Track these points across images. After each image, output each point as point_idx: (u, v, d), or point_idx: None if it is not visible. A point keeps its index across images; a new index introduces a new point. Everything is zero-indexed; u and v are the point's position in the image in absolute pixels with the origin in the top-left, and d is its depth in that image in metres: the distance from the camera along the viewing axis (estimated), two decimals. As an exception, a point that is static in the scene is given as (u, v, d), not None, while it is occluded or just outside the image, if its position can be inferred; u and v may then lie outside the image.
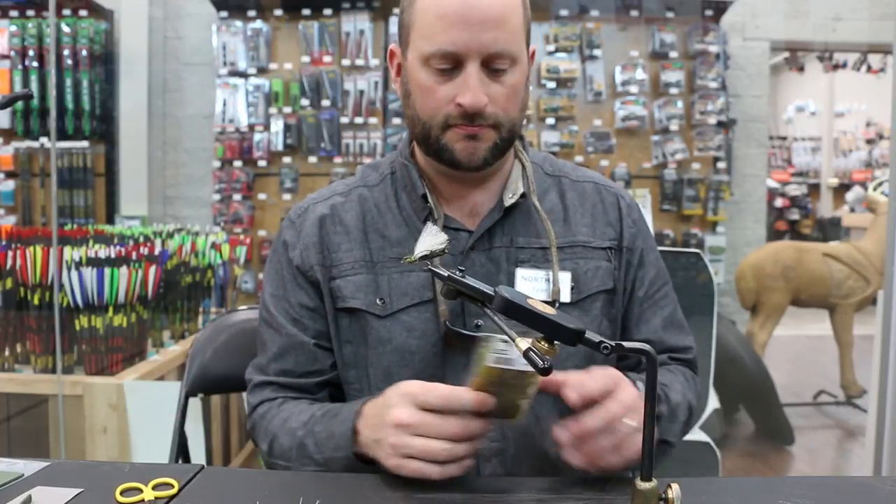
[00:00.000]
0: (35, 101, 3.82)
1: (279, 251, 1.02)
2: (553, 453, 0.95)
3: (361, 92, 3.89)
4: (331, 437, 0.88)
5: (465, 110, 0.89)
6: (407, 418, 0.78)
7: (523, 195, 0.98)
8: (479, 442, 0.80)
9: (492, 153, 0.93)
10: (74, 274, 2.03)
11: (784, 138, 9.71)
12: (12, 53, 3.80)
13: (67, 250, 2.06)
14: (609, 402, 0.78)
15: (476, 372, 0.78)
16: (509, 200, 0.97)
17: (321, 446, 0.88)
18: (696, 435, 2.20)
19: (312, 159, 3.91)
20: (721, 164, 3.99)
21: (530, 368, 0.70)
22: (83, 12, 3.87)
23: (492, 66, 0.89)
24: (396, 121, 3.86)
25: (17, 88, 3.79)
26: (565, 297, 0.96)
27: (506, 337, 0.71)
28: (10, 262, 2.06)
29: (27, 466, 0.82)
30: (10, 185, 3.92)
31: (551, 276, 0.96)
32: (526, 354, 0.67)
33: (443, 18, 0.88)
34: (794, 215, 8.86)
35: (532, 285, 0.95)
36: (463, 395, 0.77)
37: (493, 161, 0.94)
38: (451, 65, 0.90)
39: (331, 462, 0.87)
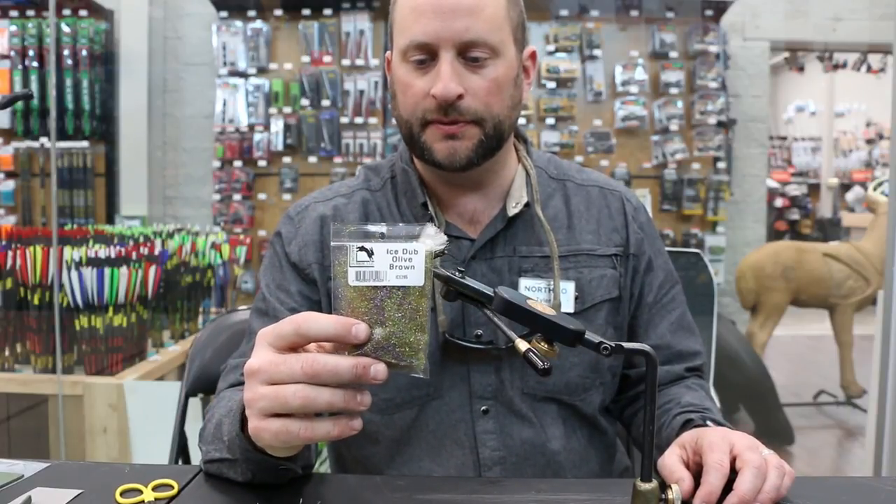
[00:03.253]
0: (35, 101, 3.82)
1: (275, 245, 1.01)
2: (555, 461, 0.95)
3: (361, 92, 3.89)
4: (230, 411, 0.76)
5: (439, 102, 0.87)
6: (257, 362, 0.64)
7: (527, 204, 0.97)
8: (363, 396, 0.63)
9: (476, 152, 0.90)
10: (74, 274, 2.02)
11: (784, 138, 9.70)
12: (12, 53, 3.79)
13: (67, 250, 2.06)
14: (741, 462, 0.72)
15: (341, 300, 0.61)
16: (513, 210, 0.96)
17: (231, 427, 0.74)
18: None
19: (312, 159, 3.91)
20: (721, 164, 3.99)
21: (409, 283, 0.59)
22: (83, 12, 3.86)
23: (468, 55, 0.87)
24: (396, 121, 3.86)
25: (17, 88, 3.79)
26: (569, 307, 0.95)
27: (369, 243, 0.60)
28: (10, 262, 2.06)
29: (27, 467, 0.82)
30: (10, 185, 3.91)
31: (553, 286, 0.95)
32: (525, 355, 0.67)
33: (415, 10, 0.88)
34: (794, 215, 8.85)
35: (534, 296, 0.94)
36: (319, 318, 0.62)
37: (479, 161, 0.91)
38: (426, 56, 0.88)
39: (233, 447, 0.74)
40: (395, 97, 0.94)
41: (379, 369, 0.61)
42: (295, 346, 0.63)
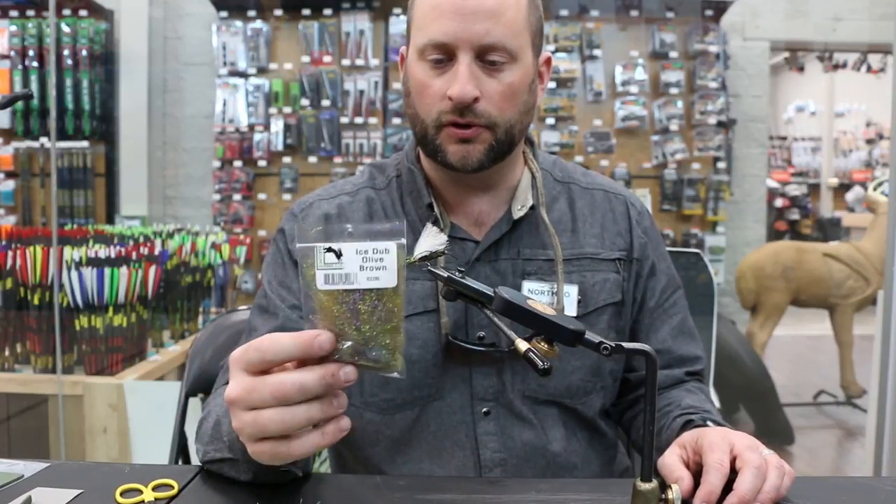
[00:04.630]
0: (35, 101, 3.82)
1: (278, 241, 1.01)
2: (556, 462, 0.95)
3: (361, 92, 3.89)
4: (227, 411, 0.74)
5: (455, 104, 0.87)
6: (234, 392, 0.63)
7: (532, 206, 0.96)
8: (339, 400, 0.62)
9: (487, 156, 0.90)
10: (74, 274, 2.02)
11: (784, 138, 9.70)
12: (12, 53, 3.79)
13: (67, 250, 2.06)
14: (741, 462, 0.72)
15: (313, 304, 0.58)
16: (518, 213, 0.96)
17: (230, 428, 0.71)
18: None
19: (312, 159, 3.91)
20: (721, 164, 3.99)
21: (380, 285, 0.57)
22: (83, 12, 3.86)
23: (486, 58, 0.87)
24: (396, 121, 3.86)
25: (17, 88, 3.79)
26: (571, 311, 0.95)
27: (337, 244, 0.57)
28: (10, 262, 2.06)
29: (27, 467, 0.82)
30: (10, 185, 3.91)
31: (556, 289, 0.95)
32: (525, 355, 0.67)
33: (436, 8, 0.87)
34: (794, 215, 8.85)
35: (537, 298, 0.93)
36: (281, 340, 0.61)
37: (489, 164, 0.91)
38: (444, 56, 0.88)
39: (234, 447, 0.73)
40: (409, 95, 0.93)
41: (348, 371, 0.61)
42: (266, 369, 0.63)
